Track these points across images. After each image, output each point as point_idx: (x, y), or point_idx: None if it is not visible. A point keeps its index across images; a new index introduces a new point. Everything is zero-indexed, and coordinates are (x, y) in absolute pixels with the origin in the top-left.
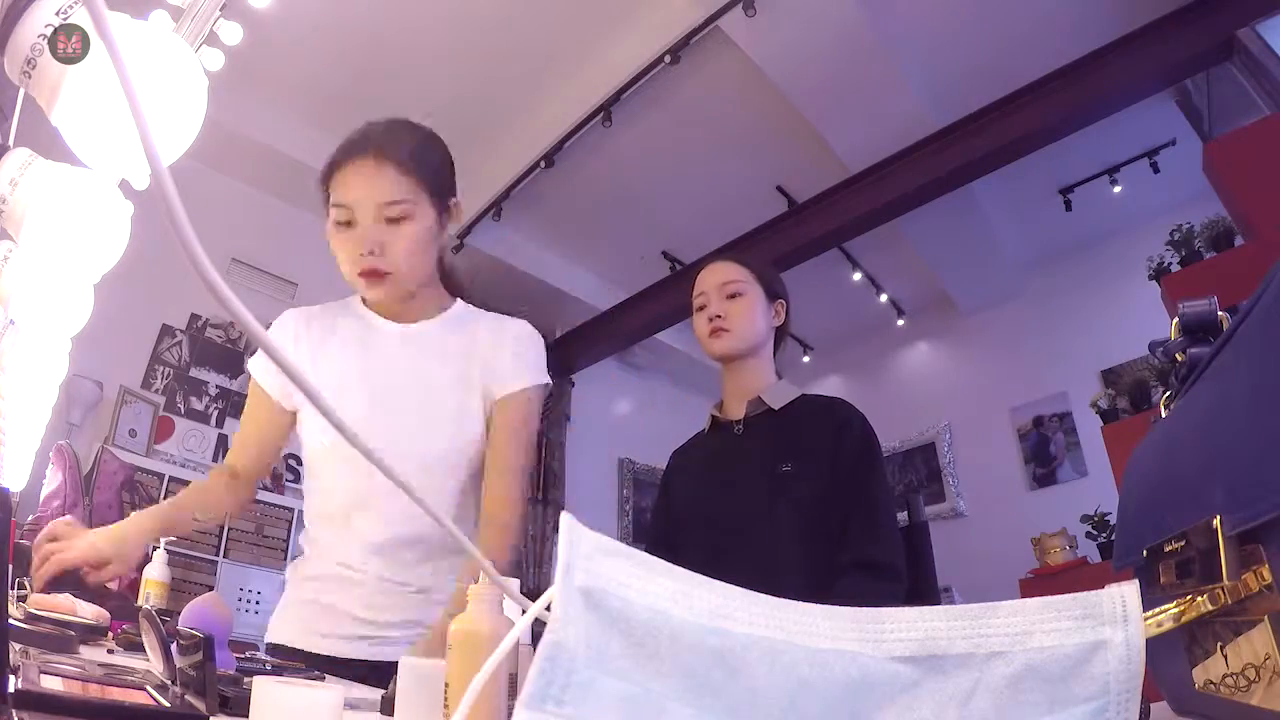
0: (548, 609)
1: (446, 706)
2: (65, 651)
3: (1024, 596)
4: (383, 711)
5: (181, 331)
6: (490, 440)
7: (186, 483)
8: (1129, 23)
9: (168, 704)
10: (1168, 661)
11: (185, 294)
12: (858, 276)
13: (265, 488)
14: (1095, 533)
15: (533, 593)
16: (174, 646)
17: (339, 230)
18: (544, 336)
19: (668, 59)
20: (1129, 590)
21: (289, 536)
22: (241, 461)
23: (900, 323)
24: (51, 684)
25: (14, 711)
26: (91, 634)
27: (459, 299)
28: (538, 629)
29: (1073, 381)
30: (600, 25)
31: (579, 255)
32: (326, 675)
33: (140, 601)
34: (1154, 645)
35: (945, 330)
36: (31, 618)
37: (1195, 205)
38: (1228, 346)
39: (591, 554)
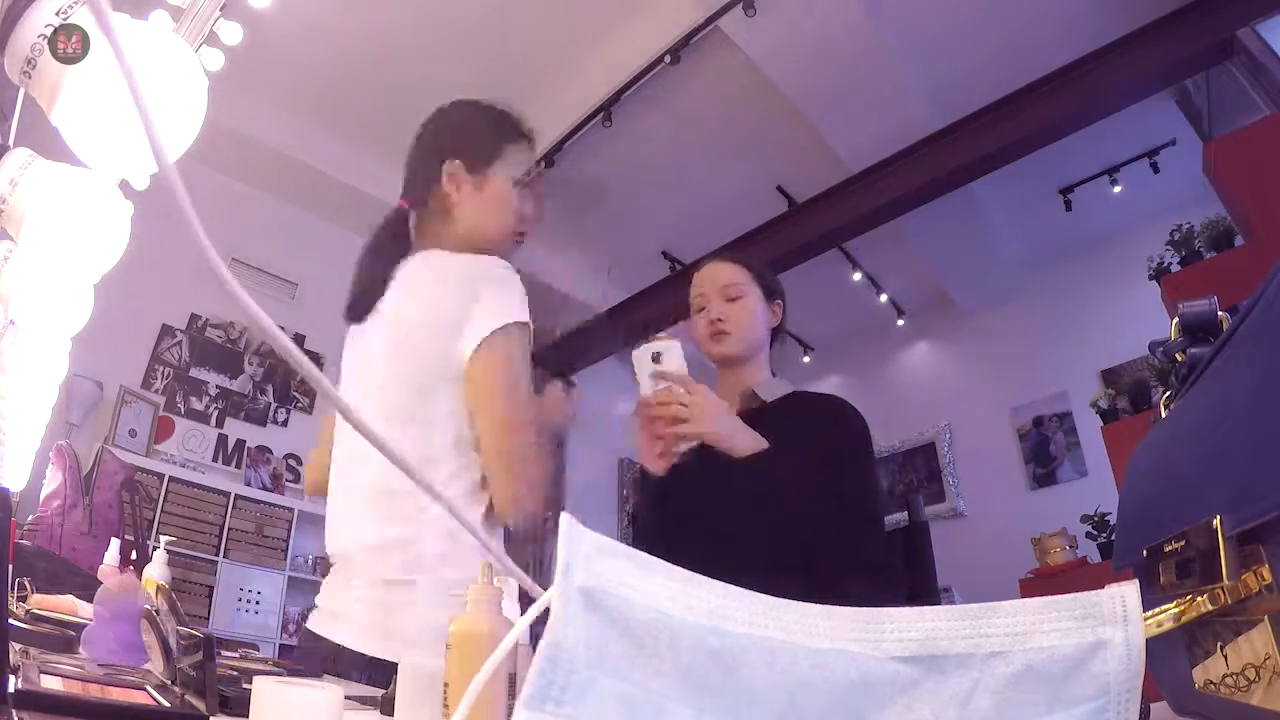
0: (547, 609)
1: (446, 706)
2: (65, 651)
3: (1024, 596)
4: (382, 711)
5: (181, 331)
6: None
7: (187, 483)
8: (1129, 23)
9: (168, 704)
10: (1168, 661)
11: (185, 294)
12: (858, 276)
13: (265, 487)
14: (1095, 533)
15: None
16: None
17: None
18: (544, 337)
19: (668, 59)
20: (1129, 590)
21: (289, 536)
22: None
23: (900, 323)
24: (51, 684)
25: (14, 711)
26: None
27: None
28: (538, 629)
29: (1073, 381)
30: (600, 25)
31: (579, 255)
32: None
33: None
34: (1154, 645)
35: (945, 330)
36: (32, 618)
37: (1195, 205)
38: (1228, 346)
39: (591, 554)
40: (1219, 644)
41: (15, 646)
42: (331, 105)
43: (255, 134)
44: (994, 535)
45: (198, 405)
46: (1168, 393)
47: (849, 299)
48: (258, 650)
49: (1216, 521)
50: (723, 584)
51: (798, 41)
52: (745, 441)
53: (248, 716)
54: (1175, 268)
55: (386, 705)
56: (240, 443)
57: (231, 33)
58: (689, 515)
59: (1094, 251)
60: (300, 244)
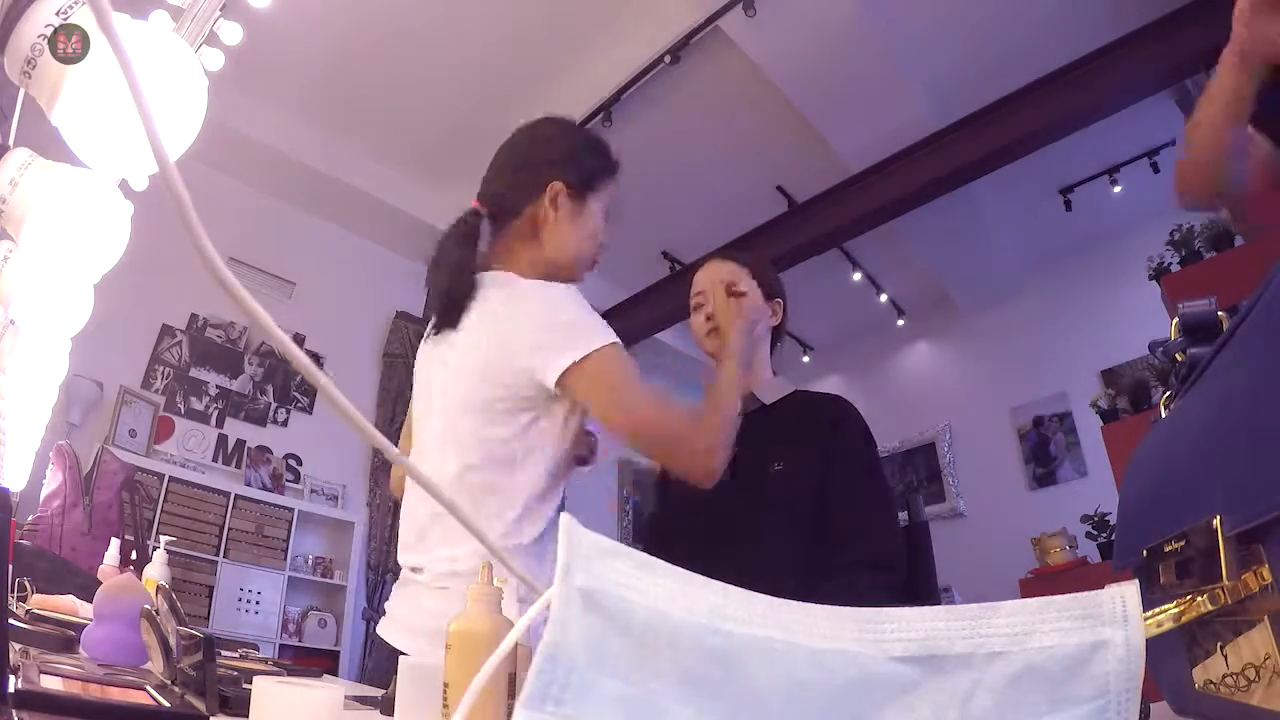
0: (547, 609)
1: (446, 706)
2: (65, 651)
3: (1024, 596)
4: (383, 711)
5: (181, 331)
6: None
7: (187, 483)
8: (1129, 23)
9: (168, 704)
10: (1168, 661)
11: (185, 294)
12: (858, 276)
13: (265, 487)
14: (1095, 533)
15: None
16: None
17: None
18: None
19: (668, 59)
20: (1129, 590)
21: (289, 536)
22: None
23: (900, 323)
24: (51, 684)
25: (14, 711)
26: None
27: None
28: (540, 629)
29: (1073, 381)
30: (600, 25)
31: None
32: None
33: None
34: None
35: (945, 330)
36: (32, 618)
37: None
38: (1228, 346)
39: (591, 554)
40: (1219, 644)
41: (15, 646)
42: (331, 105)
43: (255, 134)
44: (994, 535)
45: (198, 405)
46: (1168, 393)
47: (849, 299)
48: (258, 650)
49: (1216, 521)
50: (722, 584)
51: (798, 41)
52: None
53: (248, 716)
54: (1175, 268)
55: (386, 705)
56: (240, 443)
57: (231, 33)
58: (694, 515)
59: (1094, 251)
60: (300, 244)
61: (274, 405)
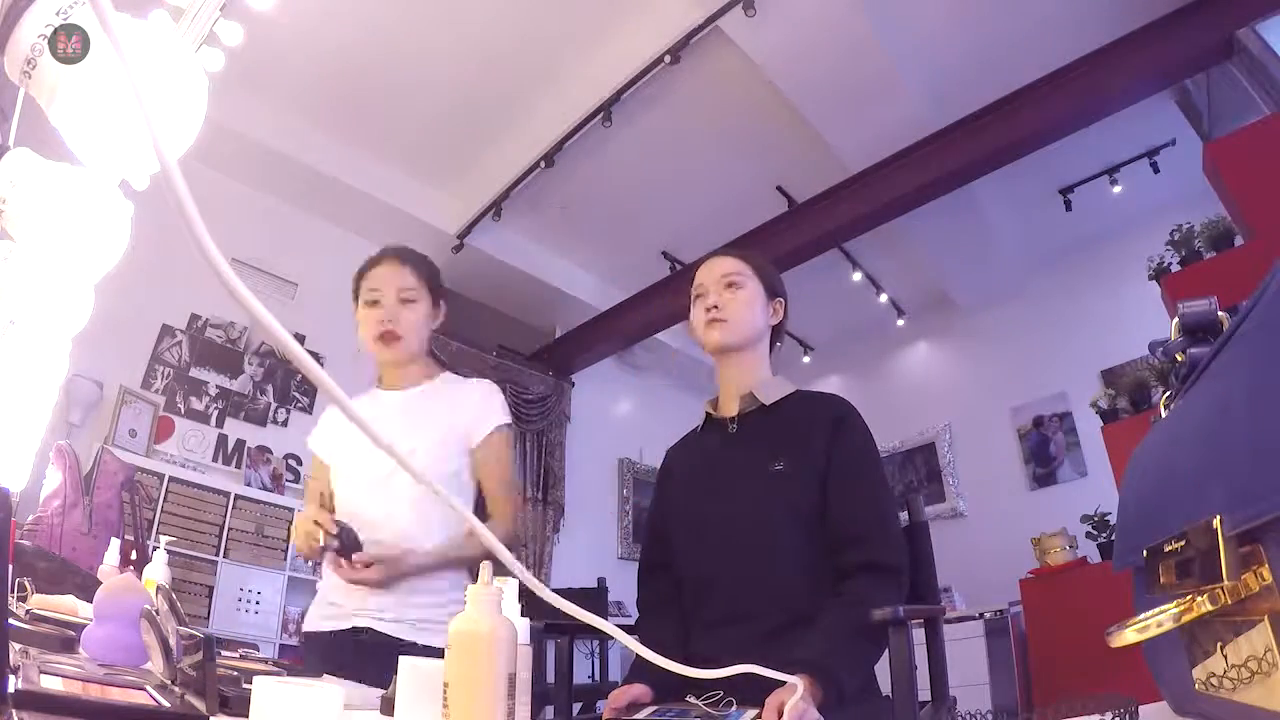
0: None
1: (446, 706)
2: (65, 651)
3: (1024, 596)
4: (383, 711)
5: (181, 331)
6: (480, 470)
7: (187, 483)
8: (1129, 23)
9: (168, 704)
10: (1168, 661)
11: (185, 294)
12: (858, 276)
13: (265, 487)
14: (1095, 533)
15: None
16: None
17: (367, 308)
18: (544, 336)
19: (668, 59)
20: None
21: (289, 536)
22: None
23: (900, 323)
24: (51, 684)
25: (14, 711)
26: None
27: (445, 370)
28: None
29: (1073, 381)
30: (600, 25)
31: (579, 255)
32: None
33: None
34: (1154, 645)
35: (945, 330)
36: (32, 618)
37: (1195, 205)
38: (1228, 346)
39: None
40: (1219, 644)
41: (15, 646)
42: (331, 105)
43: (255, 134)
44: (994, 535)
45: (198, 405)
46: (1168, 393)
47: (849, 299)
48: (258, 650)
49: (1216, 521)
50: None
51: (798, 41)
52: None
53: (248, 716)
54: (1175, 268)
55: (386, 705)
56: (240, 443)
57: (231, 33)
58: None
59: (1094, 251)
60: (300, 244)
61: (274, 405)
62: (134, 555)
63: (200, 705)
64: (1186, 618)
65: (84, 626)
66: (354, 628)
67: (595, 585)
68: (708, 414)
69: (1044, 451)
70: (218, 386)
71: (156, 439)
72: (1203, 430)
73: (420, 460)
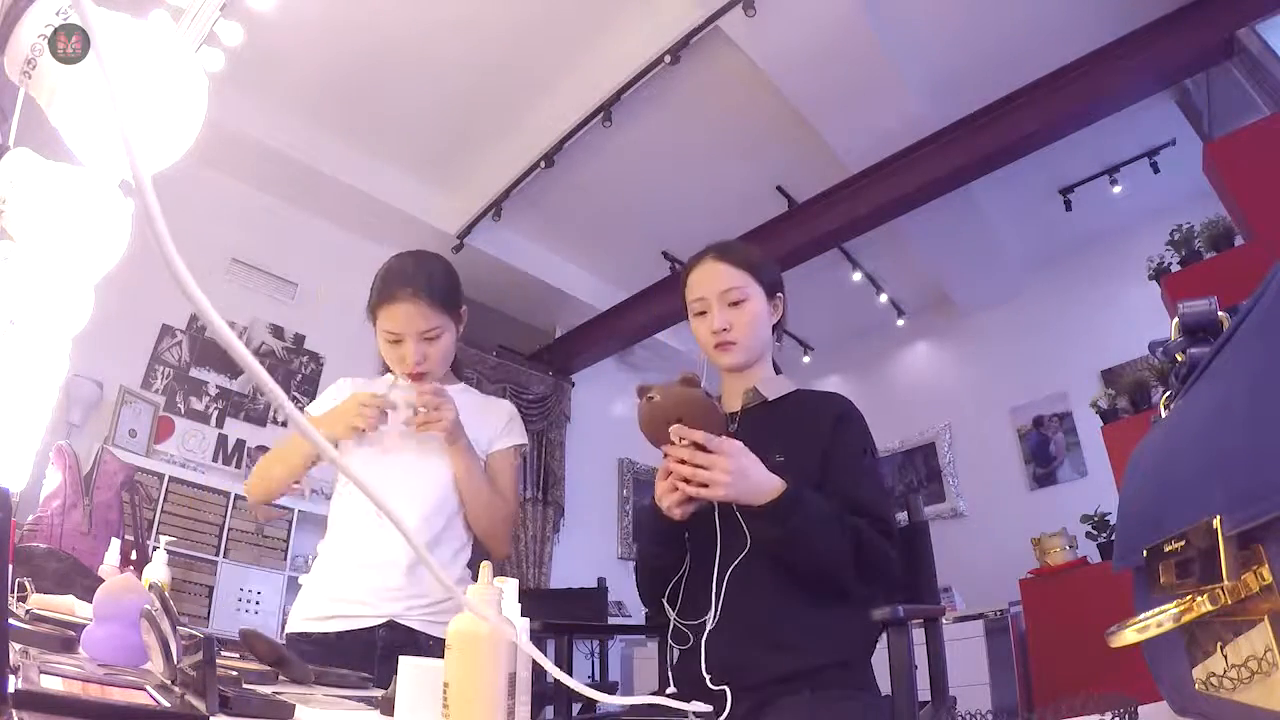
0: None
1: (446, 706)
2: (65, 651)
3: (1024, 596)
4: (383, 711)
5: (181, 331)
6: (489, 476)
7: (186, 483)
8: (1129, 23)
9: (168, 704)
10: (1168, 661)
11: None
12: (858, 276)
13: None
14: (1095, 533)
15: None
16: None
17: (388, 345)
18: (544, 336)
19: (668, 59)
20: None
21: (289, 536)
22: None
23: (900, 323)
24: (51, 684)
25: (14, 711)
26: None
27: (461, 381)
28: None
29: (1073, 381)
30: (600, 25)
31: (579, 255)
32: None
33: None
34: (1154, 645)
35: (945, 330)
36: (32, 618)
37: (1195, 205)
38: (1228, 346)
39: None
40: (1219, 644)
41: (15, 646)
42: (331, 105)
43: (255, 134)
44: (994, 535)
45: (198, 405)
46: (1168, 393)
47: (849, 299)
48: None
49: (1216, 521)
50: None
51: (797, 41)
52: (765, 491)
53: (247, 716)
54: (1175, 268)
55: (386, 705)
56: (240, 443)
57: (231, 33)
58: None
59: (1094, 251)
60: (300, 244)
61: (274, 405)
62: (134, 555)
63: (200, 705)
64: (1186, 618)
65: (84, 626)
66: (386, 623)
67: (595, 585)
68: None
69: (1044, 451)
70: (218, 386)
71: (156, 439)
72: (1203, 430)
73: (433, 461)
